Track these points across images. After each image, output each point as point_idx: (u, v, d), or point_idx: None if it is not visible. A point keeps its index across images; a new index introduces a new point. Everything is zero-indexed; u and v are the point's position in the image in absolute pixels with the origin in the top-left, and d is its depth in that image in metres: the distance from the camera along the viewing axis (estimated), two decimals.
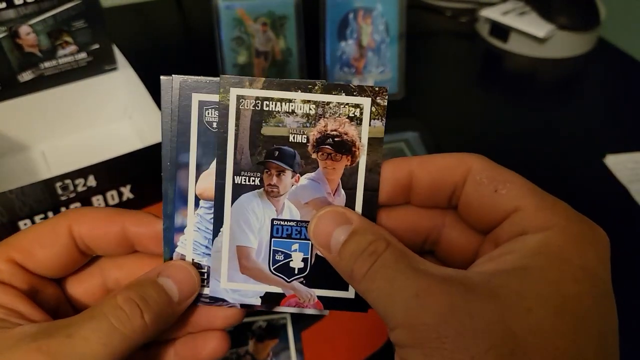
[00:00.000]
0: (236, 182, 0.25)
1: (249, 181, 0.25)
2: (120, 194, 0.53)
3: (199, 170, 0.26)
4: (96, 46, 0.62)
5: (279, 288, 0.26)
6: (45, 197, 0.48)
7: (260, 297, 0.26)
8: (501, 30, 0.84)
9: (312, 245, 0.26)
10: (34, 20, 0.58)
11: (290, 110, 0.25)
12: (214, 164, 0.25)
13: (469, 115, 0.73)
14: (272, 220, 0.26)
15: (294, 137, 0.25)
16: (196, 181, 0.26)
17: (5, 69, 0.58)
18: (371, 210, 0.26)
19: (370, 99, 0.25)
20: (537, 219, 0.22)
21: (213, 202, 0.26)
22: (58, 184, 0.48)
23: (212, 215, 0.26)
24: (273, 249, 0.26)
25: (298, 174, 0.25)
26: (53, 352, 0.22)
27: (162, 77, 0.26)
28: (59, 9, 0.58)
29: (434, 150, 0.61)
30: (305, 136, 0.25)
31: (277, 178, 0.25)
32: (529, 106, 0.74)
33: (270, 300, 0.26)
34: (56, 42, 0.60)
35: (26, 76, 0.60)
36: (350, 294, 0.26)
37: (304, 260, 0.26)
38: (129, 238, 0.27)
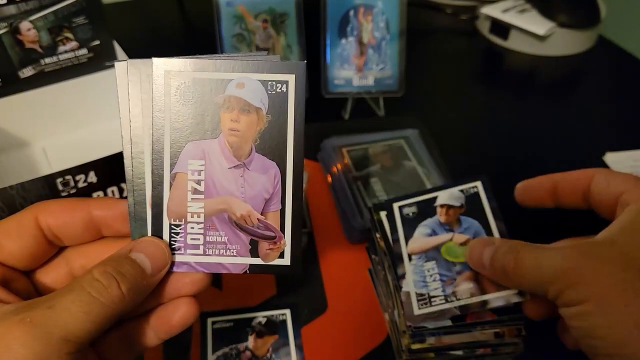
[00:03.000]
0: None
1: None
2: (120, 190, 0.53)
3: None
4: (97, 42, 0.62)
5: None
6: (46, 193, 0.49)
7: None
8: (501, 28, 0.84)
9: None
10: (34, 16, 0.58)
11: None
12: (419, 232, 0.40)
13: (469, 112, 0.73)
14: None
15: None
16: None
17: (6, 65, 0.58)
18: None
19: None
20: (634, 195, 0.32)
21: (423, 255, 0.39)
22: (59, 180, 0.49)
23: (426, 267, 0.38)
24: None
25: None
26: (36, 322, 0.23)
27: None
28: (59, 5, 0.58)
29: (433, 147, 0.61)
30: None
31: None
32: (528, 104, 0.74)
33: None
34: (57, 38, 0.60)
35: (27, 72, 0.60)
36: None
37: None
38: (95, 222, 0.29)
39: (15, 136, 0.61)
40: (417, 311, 0.37)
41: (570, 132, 0.69)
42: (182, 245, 0.29)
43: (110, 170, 0.51)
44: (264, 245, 0.29)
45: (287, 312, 0.47)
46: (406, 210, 0.42)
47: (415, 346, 0.38)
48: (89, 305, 0.24)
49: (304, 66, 0.28)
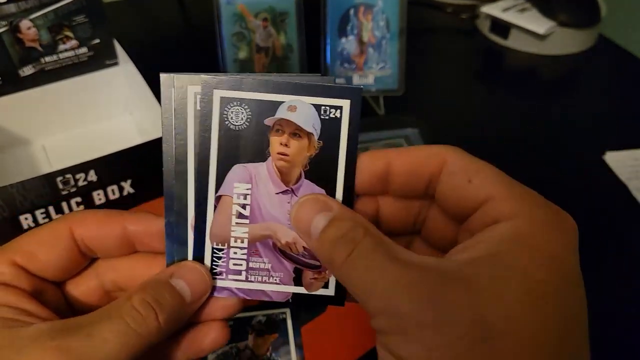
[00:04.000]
0: None
1: None
2: (120, 189, 0.53)
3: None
4: (97, 41, 0.62)
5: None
6: (46, 192, 0.49)
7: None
8: (502, 27, 0.84)
9: None
10: (34, 14, 0.58)
11: None
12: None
13: (469, 111, 0.73)
14: None
15: None
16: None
17: (6, 63, 0.58)
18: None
19: None
20: (507, 208, 0.23)
21: None
22: (59, 179, 0.49)
23: None
24: None
25: None
26: (73, 351, 0.22)
27: (173, 77, 0.26)
28: (59, 4, 0.58)
29: None
30: None
31: None
32: (529, 103, 0.74)
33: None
34: (57, 36, 0.60)
35: (27, 71, 0.60)
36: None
37: None
38: (129, 238, 0.28)
39: (16, 134, 0.61)
40: None
41: (570, 132, 0.69)
42: (224, 270, 0.28)
43: (110, 169, 0.51)
44: (308, 274, 0.28)
45: (287, 310, 0.47)
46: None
47: None
48: (126, 337, 0.23)
49: (360, 92, 0.26)
